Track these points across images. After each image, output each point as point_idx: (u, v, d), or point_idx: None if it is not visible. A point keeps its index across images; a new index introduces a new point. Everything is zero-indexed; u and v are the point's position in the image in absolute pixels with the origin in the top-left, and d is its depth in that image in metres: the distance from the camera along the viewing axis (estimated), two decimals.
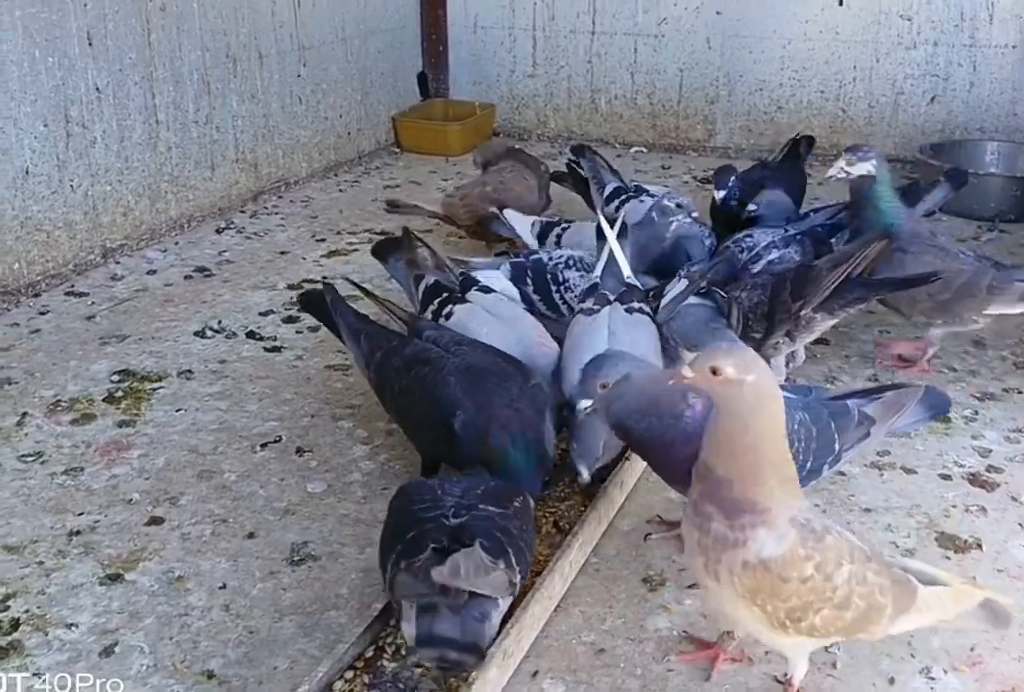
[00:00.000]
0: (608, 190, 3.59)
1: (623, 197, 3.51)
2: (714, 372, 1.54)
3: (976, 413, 2.75)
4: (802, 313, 2.62)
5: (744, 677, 1.87)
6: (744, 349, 1.66)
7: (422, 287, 2.74)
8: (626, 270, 2.68)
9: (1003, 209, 4.19)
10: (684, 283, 2.72)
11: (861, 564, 1.62)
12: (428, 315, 2.67)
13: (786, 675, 1.80)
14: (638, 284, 2.71)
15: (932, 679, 1.87)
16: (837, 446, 2.02)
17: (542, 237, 3.36)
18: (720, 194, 3.41)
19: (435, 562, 1.70)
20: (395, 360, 2.32)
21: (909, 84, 4.88)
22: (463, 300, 2.68)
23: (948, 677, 1.87)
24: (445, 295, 2.70)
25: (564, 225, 3.35)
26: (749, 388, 1.53)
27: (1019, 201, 4.20)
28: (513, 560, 1.76)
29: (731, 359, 1.54)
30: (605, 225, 2.72)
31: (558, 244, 3.28)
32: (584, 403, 1.99)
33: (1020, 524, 2.30)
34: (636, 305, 2.57)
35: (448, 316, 2.63)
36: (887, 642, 1.94)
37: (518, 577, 1.78)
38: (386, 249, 2.95)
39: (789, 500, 1.61)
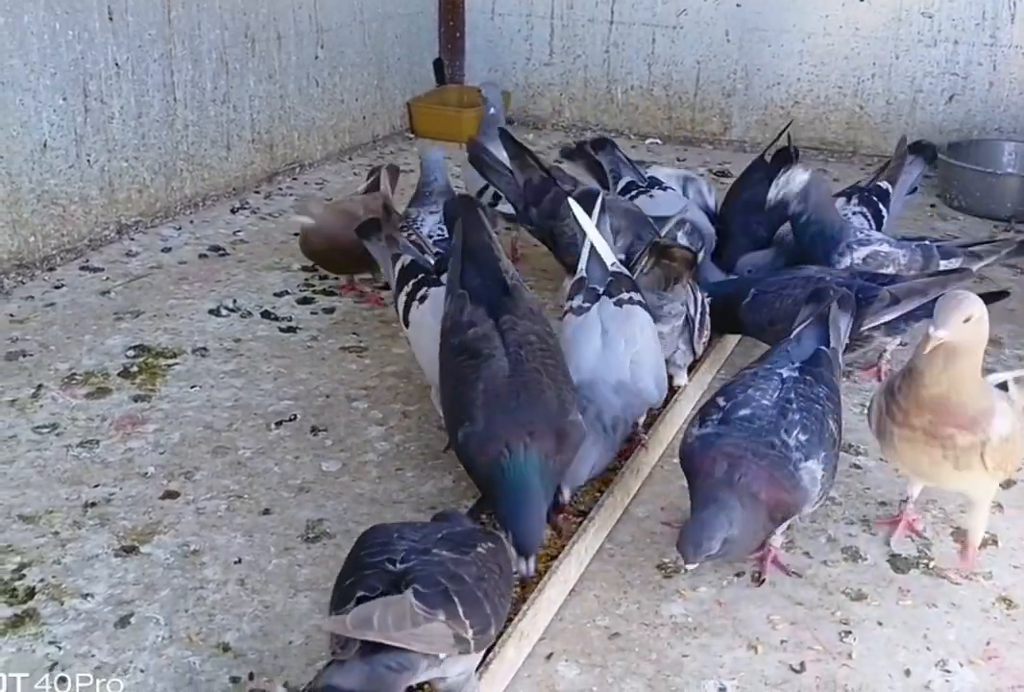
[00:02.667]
0: (621, 184, 3.56)
1: (634, 192, 3.49)
2: (967, 320, 1.80)
3: None
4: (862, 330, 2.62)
5: (760, 665, 1.87)
6: (960, 292, 1.88)
7: (398, 266, 2.59)
8: (609, 258, 2.55)
9: (1020, 209, 4.18)
10: None
11: None
12: (403, 296, 2.52)
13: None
14: (625, 270, 2.58)
15: (948, 672, 1.87)
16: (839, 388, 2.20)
17: None
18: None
19: None
20: (454, 338, 2.19)
21: (928, 82, 4.86)
22: (438, 283, 2.51)
23: (964, 670, 1.87)
24: (420, 276, 2.55)
25: None
26: (985, 318, 1.85)
27: None
28: (460, 611, 1.53)
29: (969, 302, 1.82)
30: (581, 215, 2.58)
31: None
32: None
33: None
34: (625, 296, 2.46)
35: (423, 299, 2.48)
36: (903, 634, 1.95)
37: (470, 631, 1.54)
38: (369, 229, 2.74)
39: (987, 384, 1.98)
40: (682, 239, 3.01)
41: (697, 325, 2.60)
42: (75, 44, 3.40)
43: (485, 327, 2.17)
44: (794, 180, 2.91)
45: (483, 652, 1.67)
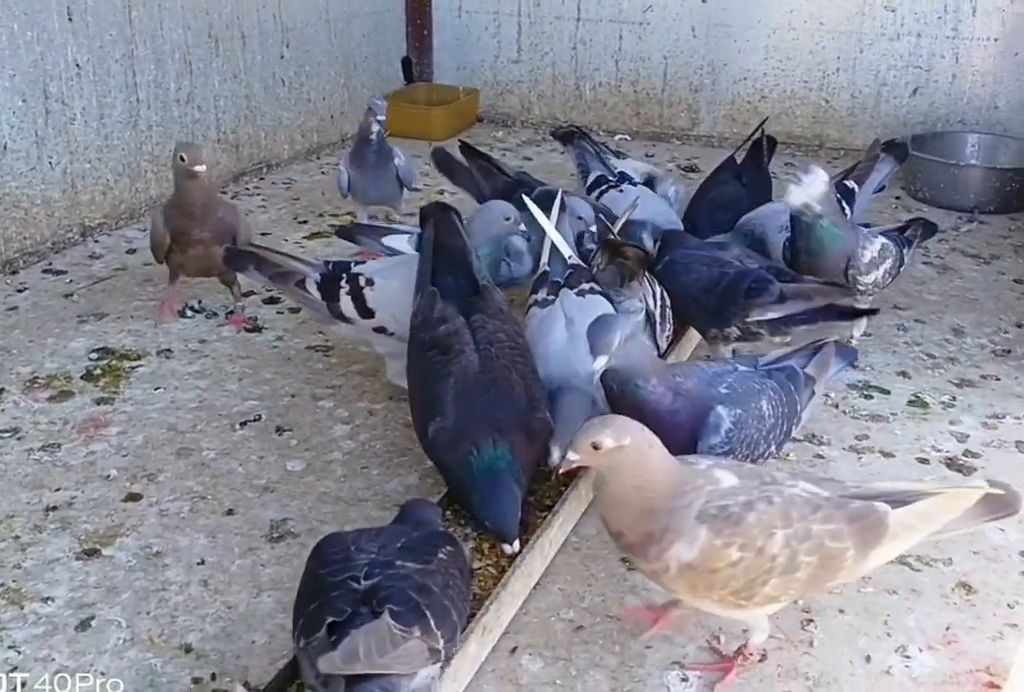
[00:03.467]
0: (591, 179, 3.57)
1: (603, 187, 3.49)
2: (596, 447, 1.61)
3: (954, 399, 2.77)
4: (747, 321, 2.59)
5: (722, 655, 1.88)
6: (610, 418, 1.72)
7: (312, 286, 2.55)
8: (566, 251, 2.60)
9: (983, 200, 4.23)
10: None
11: (801, 521, 1.64)
12: (347, 299, 2.51)
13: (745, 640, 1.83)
14: (583, 263, 2.63)
15: (908, 657, 1.88)
16: (800, 408, 2.10)
17: None
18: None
19: (327, 644, 1.47)
20: (424, 334, 2.21)
21: (892, 75, 4.89)
22: (359, 273, 2.55)
23: (923, 655, 1.89)
24: (344, 276, 2.54)
25: None
26: (631, 449, 1.62)
27: (998, 192, 4.23)
28: (432, 624, 1.53)
29: (606, 430, 1.62)
30: (536, 212, 2.62)
31: None
32: (602, 360, 1.92)
33: None
34: (586, 286, 2.51)
35: (370, 281, 2.50)
36: (863, 620, 1.97)
37: (441, 642, 1.54)
38: (241, 260, 2.73)
39: (691, 498, 1.64)
40: (647, 241, 3.00)
41: (659, 320, 2.60)
42: (34, 45, 3.37)
43: (456, 323, 2.18)
44: (818, 180, 2.66)
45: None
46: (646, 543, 1.66)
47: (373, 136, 3.54)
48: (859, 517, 1.67)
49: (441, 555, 1.67)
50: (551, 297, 2.49)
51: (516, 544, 2.01)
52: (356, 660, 1.45)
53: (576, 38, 5.35)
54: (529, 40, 5.43)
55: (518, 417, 2.11)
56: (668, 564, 1.64)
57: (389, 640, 1.47)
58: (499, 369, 2.14)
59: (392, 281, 2.50)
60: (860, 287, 2.85)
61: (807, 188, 2.69)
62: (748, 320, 2.57)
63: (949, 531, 1.73)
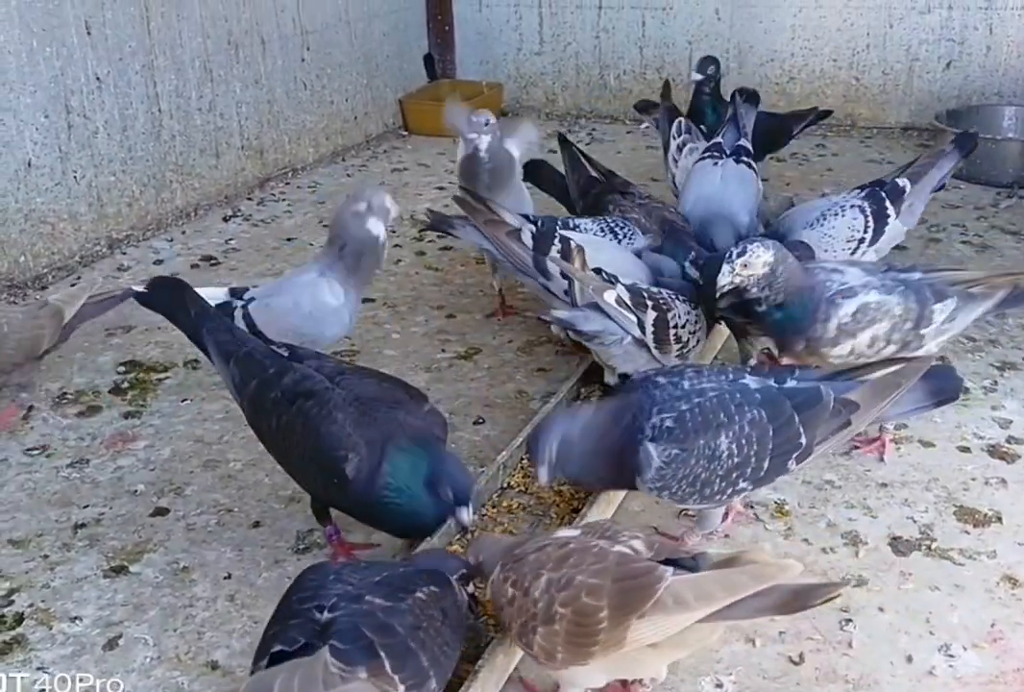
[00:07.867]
0: (705, 144, 3.37)
1: (705, 155, 3.22)
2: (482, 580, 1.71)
3: (996, 383, 2.69)
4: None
5: (758, 658, 1.83)
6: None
7: (527, 237, 2.71)
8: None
9: (1022, 175, 4.10)
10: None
11: (573, 569, 1.50)
12: (556, 244, 2.66)
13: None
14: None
15: (951, 656, 1.82)
16: (804, 440, 1.86)
17: None
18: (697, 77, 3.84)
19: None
20: (273, 392, 2.03)
21: (924, 50, 4.77)
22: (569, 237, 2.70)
23: (968, 654, 1.82)
24: (557, 235, 2.70)
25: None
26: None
27: None
28: (388, 666, 1.43)
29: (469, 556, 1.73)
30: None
31: None
32: (542, 473, 1.94)
33: None
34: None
35: (581, 250, 2.56)
36: (904, 619, 1.91)
37: (401, 687, 1.43)
38: (443, 221, 2.89)
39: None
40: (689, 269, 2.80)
41: (653, 346, 2.45)
42: (54, 61, 3.39)
43: (299, 371, 2.06)
44: (755, 261, 2.18)
45: None
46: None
47: None
48: (626, 576, 1.46)
49: (420, 594, 1.57)
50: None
51: (470, 512, 1.96)
52: None
53: (599, 26, 5.29)
54: (551, 31, 5.38)
55: (414, 417, 2.04)
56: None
57: (322, 678, 1.38)
58: (371, 386, 2.08)
59: (600, 254, 2.58)
60: None
61: (739, 271, 2.21)
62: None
63: (737, 618, 1.47)
